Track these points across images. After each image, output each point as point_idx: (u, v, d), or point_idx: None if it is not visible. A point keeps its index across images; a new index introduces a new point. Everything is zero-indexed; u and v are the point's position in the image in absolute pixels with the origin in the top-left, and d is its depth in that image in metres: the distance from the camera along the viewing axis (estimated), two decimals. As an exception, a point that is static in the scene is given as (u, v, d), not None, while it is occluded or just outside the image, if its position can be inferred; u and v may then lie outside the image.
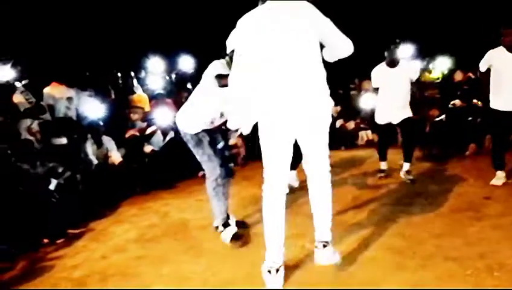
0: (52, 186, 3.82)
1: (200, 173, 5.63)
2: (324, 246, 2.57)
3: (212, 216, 3.34)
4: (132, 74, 6.74)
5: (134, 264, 2.95)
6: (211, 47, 9.91)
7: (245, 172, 5.74)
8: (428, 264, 2.55)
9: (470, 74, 7.01)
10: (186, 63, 8.14)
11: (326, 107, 2.44)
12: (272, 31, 2.32)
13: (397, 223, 3.29)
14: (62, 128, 4.79)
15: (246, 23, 2.38)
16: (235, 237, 3.14)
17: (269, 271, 2.42)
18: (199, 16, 9.46)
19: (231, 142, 6.56)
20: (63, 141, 4.72)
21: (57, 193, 3.81)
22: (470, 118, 6.16)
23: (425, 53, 8.29)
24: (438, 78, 7.73)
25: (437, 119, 6.23)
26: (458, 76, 7.07)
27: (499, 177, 4.18)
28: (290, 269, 2.56)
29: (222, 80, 2.92)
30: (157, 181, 5.15)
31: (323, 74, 2.43)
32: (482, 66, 4.18)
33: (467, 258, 2.56)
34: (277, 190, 2.43)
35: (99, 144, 4.98)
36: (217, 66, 3.07)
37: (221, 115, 3.22)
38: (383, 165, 4.90)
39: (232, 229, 3.20)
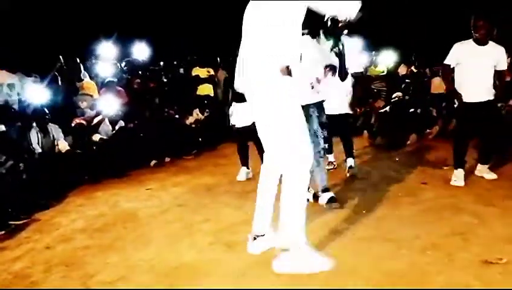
0: (-8, 176, 3.65)
1: (152, 162, 5.62)
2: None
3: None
4: (78, 60, 6.48)
5: (80, 254, 2.91)
6: (166, 35, 9.81)
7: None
8: (368, 245, 2.70)
9: (413, 68, 7.39)
10: (139, 51, 7.96)
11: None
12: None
13: (341, 208, 3.43)
14: (1, 116, 4.56)
15: None
16: (331, 200, 3.47)
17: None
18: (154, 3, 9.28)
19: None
20: (1, 128, 4.48)
21: (-2, 182, 3.65)
22: (411, 110, 6.53)
23: (372, 47, 8.58)
24: (383, 72, 8.05)
25: (382, 110, 6.52)
26: (402, 70, 7.43)
27: (459, 177, 3.95)
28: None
29: None
30: (107, 170, 5.04)
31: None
32: (451, 61, 3.97)
33: (403, 239, 2.74)
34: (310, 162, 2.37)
35: (45, 132, 4.80)
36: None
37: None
38: (330, 158, 4.99)
39: (330, 194, 3.52)
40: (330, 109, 4.58)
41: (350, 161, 4.61)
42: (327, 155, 4.82)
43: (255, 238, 2.64)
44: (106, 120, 5.56)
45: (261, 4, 2.33)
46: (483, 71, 3.88)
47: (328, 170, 4.84)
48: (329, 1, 2.30)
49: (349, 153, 4.62)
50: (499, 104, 4.71)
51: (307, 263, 2.33)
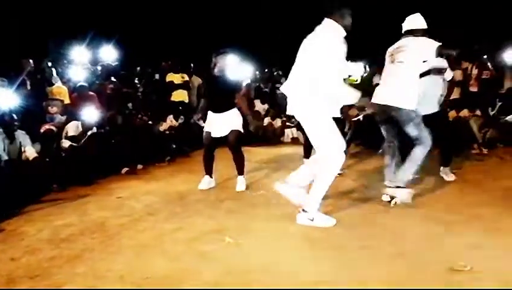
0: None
1: (124, 170, 5.51)
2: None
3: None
4: (49, 63, 6.33)
5: (46, 265, 2.80)
6: (140, 40, 9.71)
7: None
8: (341, 252, 2.75)
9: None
10: (111, 55, 7.84)
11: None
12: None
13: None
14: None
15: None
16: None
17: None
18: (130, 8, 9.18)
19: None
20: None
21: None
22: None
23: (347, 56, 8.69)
24: (356, 80, 8.15)
25: (355, 119, 6.63)
26: (377, 79, 7.54)
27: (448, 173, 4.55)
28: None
29: None
30: (76, 178, 4.91)
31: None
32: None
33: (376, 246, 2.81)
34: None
35: (11, 138, 4.63)
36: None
37: None
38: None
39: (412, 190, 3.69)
40: None
41: None
42: None
43: (285, 183, 3.39)
44: (78, 124, 5.43)
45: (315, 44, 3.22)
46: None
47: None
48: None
49: None
50: None
51: (321, 220, 3.23)
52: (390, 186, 3.71)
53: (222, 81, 4.41)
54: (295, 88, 3.28)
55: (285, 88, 3.41)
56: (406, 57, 3.58)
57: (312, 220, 3.22)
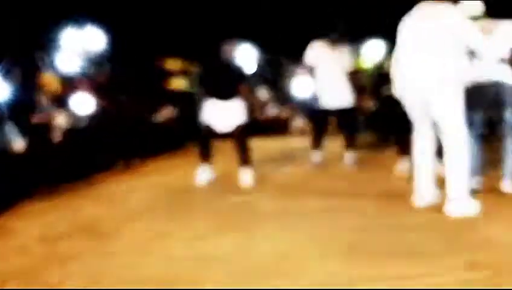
0: None
1: (119, 164, 5.38)
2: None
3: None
4: (39, 51, 6.15)
5: (38, 264, 2.64)
6: (136, 26, 9.47)
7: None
8: (350, 252, 2.59)
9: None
10: (100, 42, 7.69)
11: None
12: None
13: (324, 212, 3.37)
14: None
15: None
16: None
17: None
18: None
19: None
20: None
21: None
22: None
23: (357, 41, 8.29)
24: (368, 66, 7.93)
25: (368, 107, 6.48)
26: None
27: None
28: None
29: None
30: (68, 172, 4.73)
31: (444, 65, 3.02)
32: None
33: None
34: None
35: (-1, 129, 4.44)
36: None
37: None
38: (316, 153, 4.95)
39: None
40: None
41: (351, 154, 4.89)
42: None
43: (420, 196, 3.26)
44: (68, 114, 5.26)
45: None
46: None
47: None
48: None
49: (351, 145, 4.88)
50: None
51: (472, 207, 3.01)
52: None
53: (229, 69, 4.34)
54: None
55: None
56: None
57: (464, 207, 3.00)
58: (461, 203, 3.03)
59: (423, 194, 3.29)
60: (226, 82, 4.30)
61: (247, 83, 4.72)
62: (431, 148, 3.32)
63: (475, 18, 3.35)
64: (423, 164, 3.29)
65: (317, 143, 4.88)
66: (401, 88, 3.34)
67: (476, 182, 3.44)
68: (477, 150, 3.49)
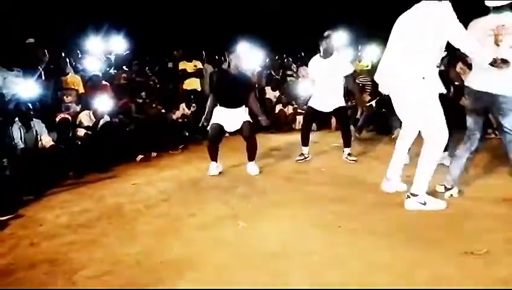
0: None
1: (139, 157, 5.56)
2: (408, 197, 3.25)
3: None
4: (63, 54, 6.39)
5: (64, 250, 2.87)
6: (152, 28, 9.70)
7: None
8: (354, 236, 2.76)
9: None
10: (120, 45, 7.90)
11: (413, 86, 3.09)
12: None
13: (327, 201, 3.50)
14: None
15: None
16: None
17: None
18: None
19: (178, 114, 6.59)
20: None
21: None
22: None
23: (357, 41, 8.57)
24: (367, 66, 8.05)
25: (367, 104, 6.56)
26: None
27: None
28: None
29: None
30: (91, 165, 4.99)
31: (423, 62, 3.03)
32: None
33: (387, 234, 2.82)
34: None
35: (27, 127, 4.71)
36: None
37: None
38: (305, 150, 5.17)
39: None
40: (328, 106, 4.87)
41: (347, 150, 5.06)
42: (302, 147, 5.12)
43: (387, 180, 3.59)
44: (90, 113, 5.49)
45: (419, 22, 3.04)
46: None
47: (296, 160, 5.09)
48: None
49: (347, 143, 5.05)
50: None
51: (433, 203, 3.20)
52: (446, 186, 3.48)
53: (237, 79, 4.51)
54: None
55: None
56: None
57: (424, 203, 3.18)
58: (421, 199, 3.19)
59: (389, 177, 3.59)
60: (235, 94, 4.53)
61: (254, 93, 4.93)
62: (410, 140, 3.52)
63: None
64: (398, 150, 3.56)
65: (305, 140, 5.13)
66: (384, 85, 3.46)
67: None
68: (473, 151, 3.37)
